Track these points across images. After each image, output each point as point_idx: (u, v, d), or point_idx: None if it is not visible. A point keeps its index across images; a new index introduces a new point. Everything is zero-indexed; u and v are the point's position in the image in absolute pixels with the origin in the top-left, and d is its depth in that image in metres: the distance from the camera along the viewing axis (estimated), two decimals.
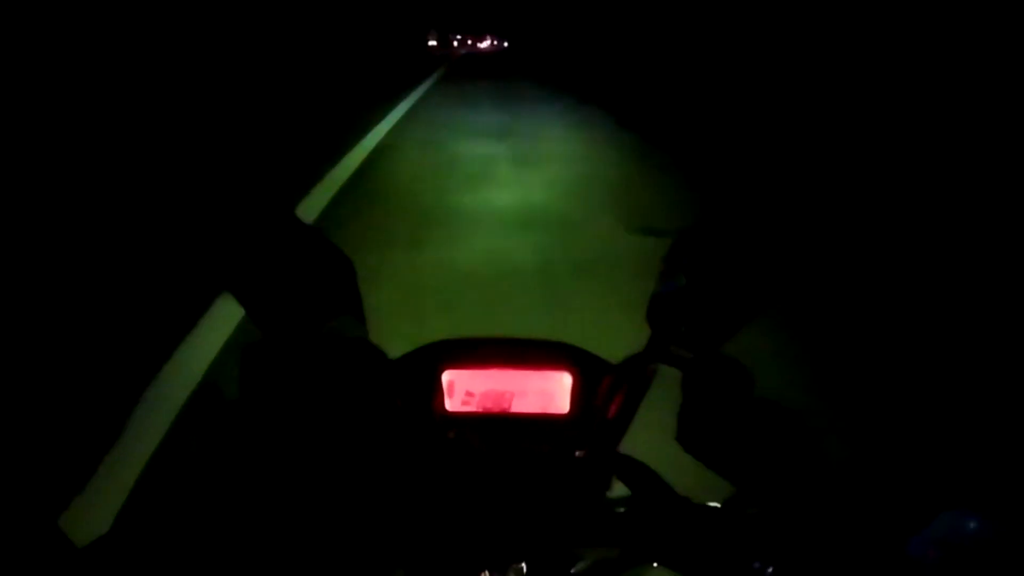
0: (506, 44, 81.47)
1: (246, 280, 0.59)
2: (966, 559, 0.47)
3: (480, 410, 0.74)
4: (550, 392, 0.74)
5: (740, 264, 0.63)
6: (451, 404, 0.74)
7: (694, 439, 0.64)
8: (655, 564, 0.67)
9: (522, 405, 0.74)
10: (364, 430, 0.67)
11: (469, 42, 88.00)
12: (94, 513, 2.06)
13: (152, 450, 2.35)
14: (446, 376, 0.74)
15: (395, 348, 0.74)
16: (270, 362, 0.62)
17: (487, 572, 0.65)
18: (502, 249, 4.57)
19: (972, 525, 0.49)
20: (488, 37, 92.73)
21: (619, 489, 0.72)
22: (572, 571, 0.69)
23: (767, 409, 0.63)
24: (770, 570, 0.55)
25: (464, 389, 0.74)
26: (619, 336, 1.12)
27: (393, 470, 0.69)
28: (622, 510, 0.69)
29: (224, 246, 0.59)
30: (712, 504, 0.67)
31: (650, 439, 0.77)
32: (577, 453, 0.72)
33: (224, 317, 3.36)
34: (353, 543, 0.62)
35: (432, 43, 61.16)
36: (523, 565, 0.66)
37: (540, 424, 0.74)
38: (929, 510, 0.51)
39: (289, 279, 0.59)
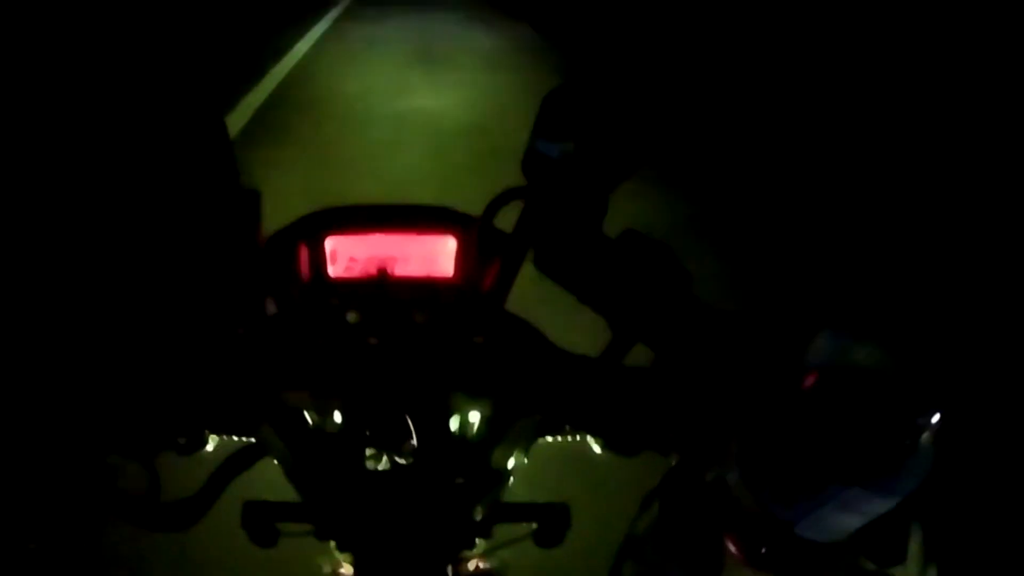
0: None
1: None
2: (844, 379, 0.48)
3: (363, 275, 0.71)
4: (434, 256, 0.72)
5: (614, 116, 0.62)
6: (334, 270, 0.71)
7: (551, 262, 0.64)
8: (537, 415, 0.68)
9: (406, 269, 0.72)
10: (243, 307, 0.66)
11: None
12: None
13: None
14: (329, 243, 0.70)
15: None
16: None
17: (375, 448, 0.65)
18: None
19: (846, 344, 0.50)
20: None
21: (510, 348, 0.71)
22: (455, 425, 0.69)
23: (633, 239, 0.63)
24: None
25: (347, 255, 0.71)
26: None
27: (281, 339, 0.68)
28: (505, 364, 0.69)
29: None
30: (592, 356, 0.67)
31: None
32: (462, 315, 0.71)
33: None
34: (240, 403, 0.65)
35: None
36: (413, 440, 0.65)
37: (425, 288, 0.72)
38: (807, 333, 0.51)
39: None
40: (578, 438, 0.71)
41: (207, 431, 0.69)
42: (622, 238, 0.63)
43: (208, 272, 0.64)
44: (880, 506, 0.46)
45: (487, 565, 0.79)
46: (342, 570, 0.80)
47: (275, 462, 0.70)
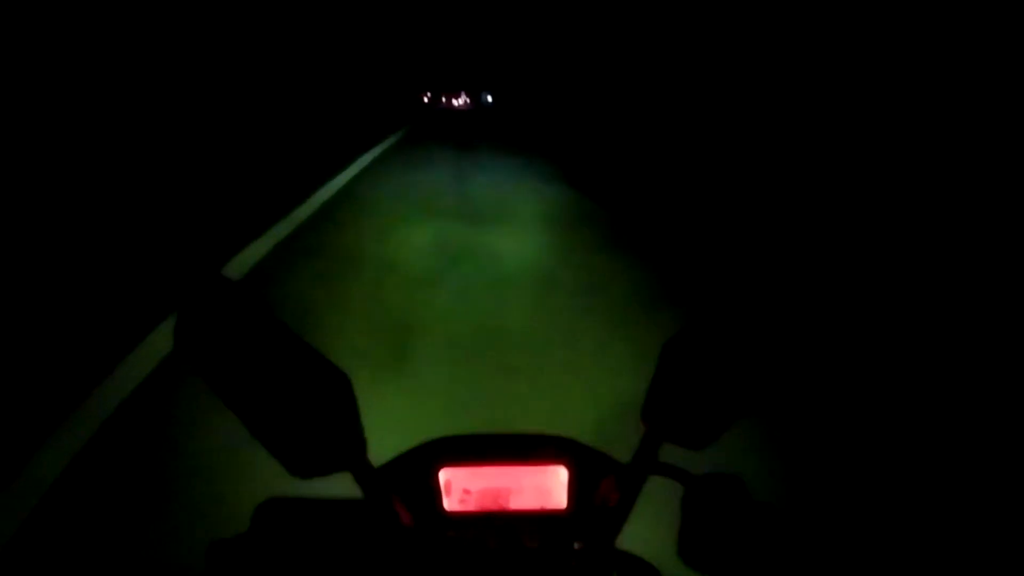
0: (490, 98, 78.91)
1: (253, 411, 0.60)
2: None
3: (478, 508, 0.74)
4: (547, 487, 0.74)
5: (732, 363, 0.64)
6: (449, 503, 0.74)
7: (697, 557, 0.65)
8: None
9: (520, 501, 0.74)
10: (365, 553, 0.68)
11: (443, 99, 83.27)
12: None
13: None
14: (443, 475, 0.74)
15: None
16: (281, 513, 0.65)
17: None
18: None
19: None
20: (463, 94, 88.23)
21: None
22: None
23: (763, 516, 0.64)
24: None
25: (461, 488, 0.74)
26: None
27: (397, 573, 0.69)
28: None
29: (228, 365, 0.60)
30: None
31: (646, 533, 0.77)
32: (576, 546, 0.72)
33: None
34: None
35: (425, 99, 73.45)
36: None
37: (538, 520, 0.74)
38: None
39: (295, 412, 0.60)
40: None
41: None
42: (753, 515, 0.65)
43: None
44: None
45: None
46: None
47: None
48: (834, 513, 2.39)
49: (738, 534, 0.63)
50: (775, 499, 0.67)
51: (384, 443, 0.82)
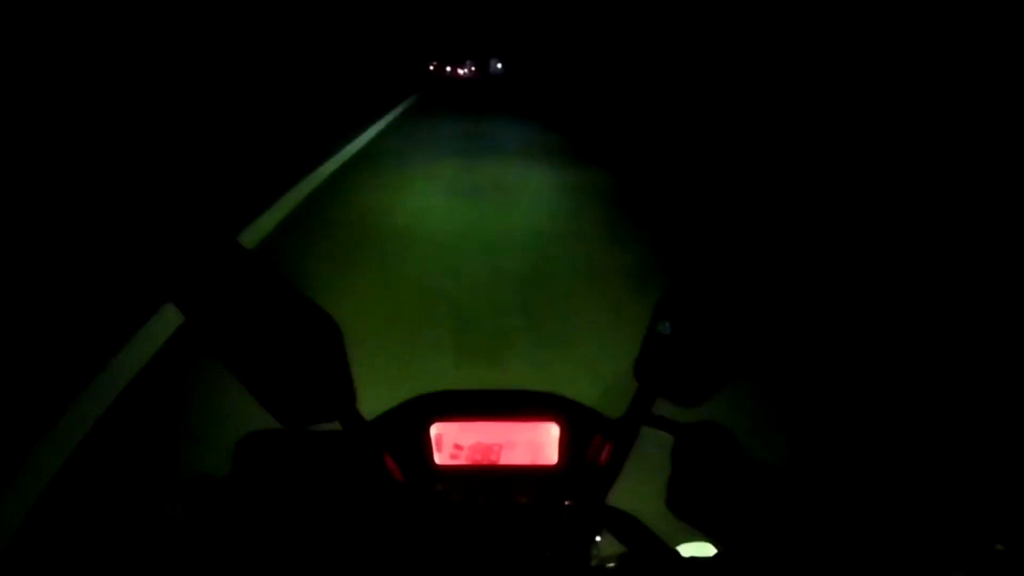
0: (499, 66, 75.92)
1: (243, 359, 0.59)
2: None
3: (469, 463, 0.74)
4: (538, 443, 0.74)
5: (726, 320, 0.63)
6: (440, 457, 0.74)
7: (685, 506, 0.65)
8: None
9: (511, 457, 0.74)
10: (351, 503, 0.68)
11: (448, 69, 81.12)
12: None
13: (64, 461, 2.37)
14: (434, 429, 0.74)
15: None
16: (264, 452, 0.64)
17: None
18: None
19: None
20: (468, 63, 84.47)
21: (609, 541, 0.72)
22: None
23: (754, 471, 0.63)
24: None
25: (452, 442, 0.74)
26: None
27: (385, 527, 0.69)
28: (612, 565, 0.69)
29: (216, 317, 0.59)
30: (702, 556, 0.67)
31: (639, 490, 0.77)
32: (566, 503, 0.72)
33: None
34: None
35: (431, 67, 72.28)
36: None
37: (529, 476, 0.74)
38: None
39: (285, 360, 0.59)
40: None
41: None
42: (744, 470, 0.65)
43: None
44: None
45: None
46: None
47: None
48: (827, 473, 2.43)
49: (727, 485, 0.63)
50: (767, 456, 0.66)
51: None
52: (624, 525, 0.71)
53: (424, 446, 0.74)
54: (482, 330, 3.58)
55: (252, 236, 5.22)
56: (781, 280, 0.64)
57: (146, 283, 0.57)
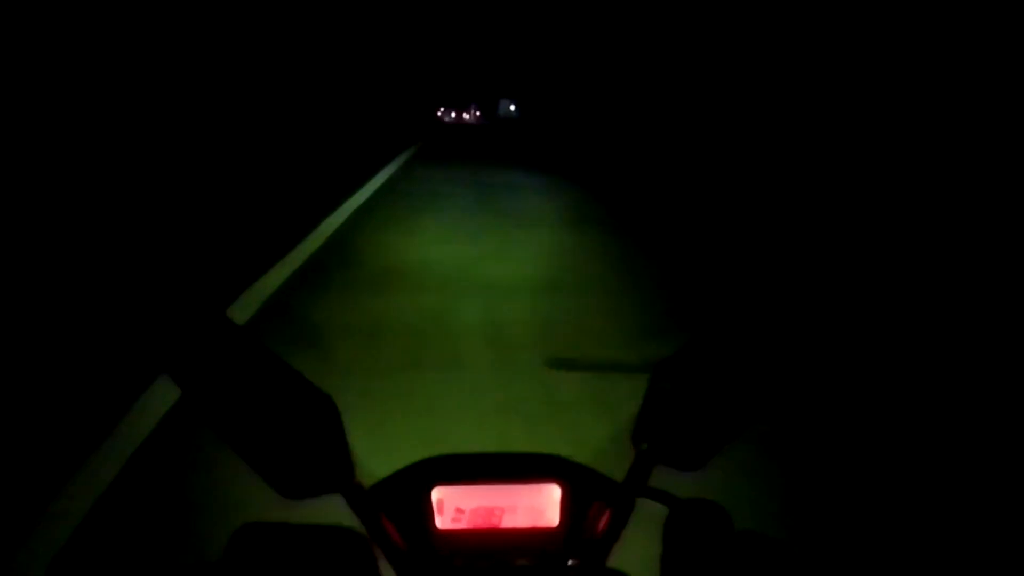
0: (512, 108, 65.38)
1: (239, 434, 0.60)
2: None
3: (471, 527, 0.75)
4: (540, 506, 0.75)
5: (722, 387, 0.65)
6: (441, 522, 0.75)
7: (674, 556, 0.65)
8: None
9: (512, 520, 0.75)
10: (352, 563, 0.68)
11: (453, 115, 76.02)
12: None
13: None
14: (436, 494, 0.74)
15: None
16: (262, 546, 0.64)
17: None
18: None
19: None
20: (472, 108, 77.34)
21: None
22: None
23: (747, 546, 0.64)
24: None
25: (454, 506, 0.75)
26: None
27: None
28: None
29: (219, 399, 0.60)
30: None
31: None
32: (570, 563, 0.72)
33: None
34: None
35: (439, 113, 69.67)
36: None
37: (531, 538, 0.74)
38: None
39: (282, 436, 0.60)
40: None
41: None
42: (740, 543, 0.66)
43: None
44: None
45: None
46: None
47: None
48: (822, 542, 2.40)
49: (718, 562, 0.64)
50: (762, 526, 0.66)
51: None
52: None
53: (425, 510, 0.74)
54: None
55: None
56: (776, 348, 0.65)
57: (142, 357, 0.59)
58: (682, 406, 0.65)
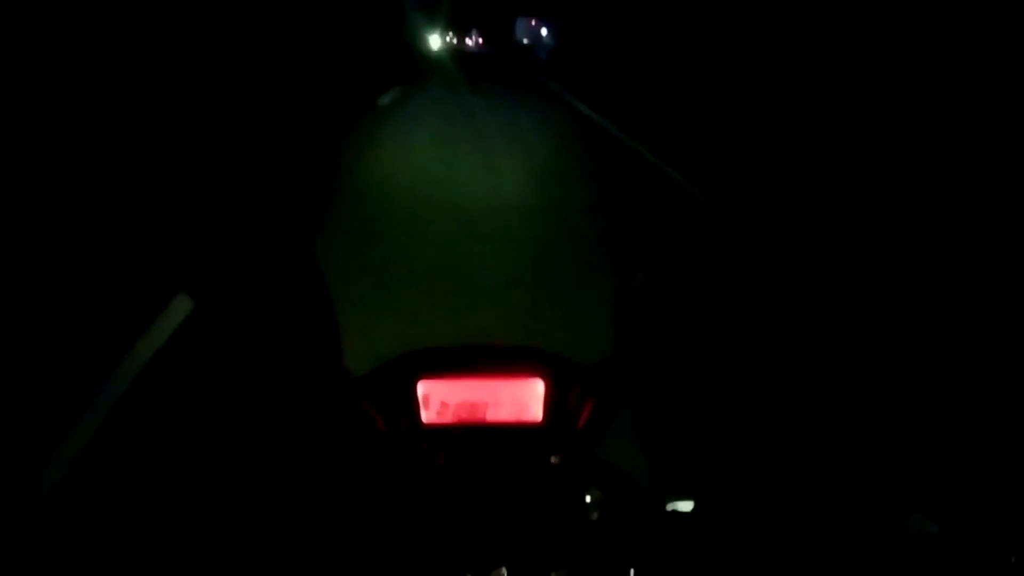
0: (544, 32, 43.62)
1: (226, 298, 0.61)
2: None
3: (455, 421, 0.74)
4: (523, 400, 0.74)
5: (698, 270, 0.63)
6: (427, 416, 0.74)
7: (655, 448, 0.64)
8: (631, 570, 0.67)
9: (496, 414, 0.74)
10: (338, 451, 0.69)
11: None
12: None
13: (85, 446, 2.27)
14: (421, 388, 0.74)
15: None
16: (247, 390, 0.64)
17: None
18: None
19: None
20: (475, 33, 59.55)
21: (597, 494, 0.72)
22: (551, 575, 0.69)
23: (726, 416, 0.63)
24: None
25: (439, 400, 0.74)
26: None
27: (373, 485, 0.70)
28: (596, 515, 0.69)
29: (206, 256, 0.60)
30: (684, 508, 0.66)
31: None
32: (552, 459, 0.72)
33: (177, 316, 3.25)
34: (336, 555, 0.63)
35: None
36: (503, 570, 0.66)
37: (515, 433, 0.74)
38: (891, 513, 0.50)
39: (274, 314, 0.60)
40: None
41: None
42: (716, 416, 0.64)
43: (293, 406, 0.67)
44: None
45: None
46: None
47: None
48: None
49: (695, 431, 0.63)
50: None
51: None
52: (612, 480, 0.71)
53: (411, 404, 0.74)
54: None
55: None
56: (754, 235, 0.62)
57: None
58: (658, 291, 0.64)
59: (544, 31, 35.55)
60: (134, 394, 2.67)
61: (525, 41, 37.28)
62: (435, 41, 35.12)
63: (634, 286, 0.64)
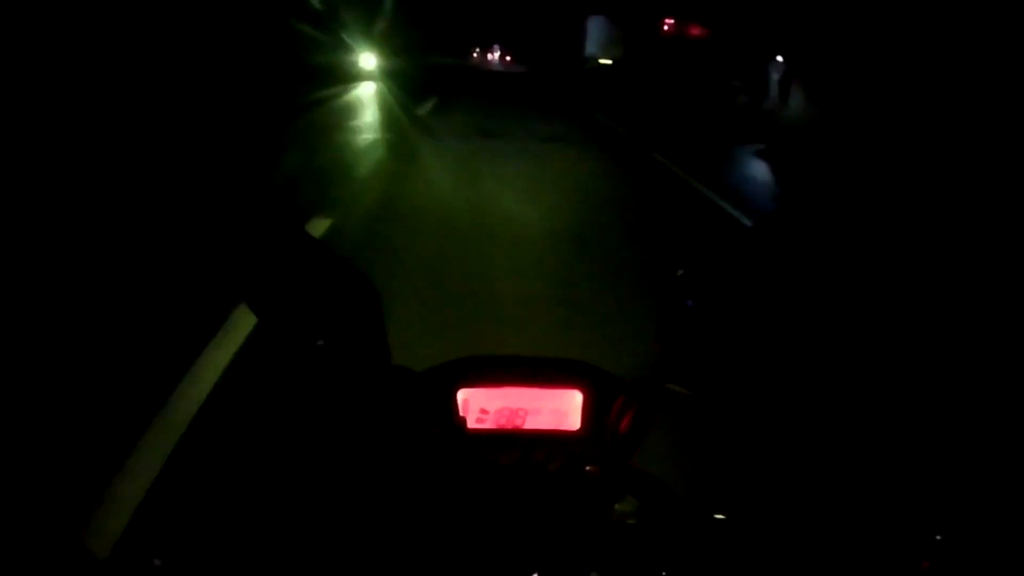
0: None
1: (278, 308, 0.63)
2: None
3: (495, 427, 0.76)
4: (562, 410, 0.76)
5: (746, 292, 0.64)
6: (467, 422, 0.76)
7: (693, 459, 0.66)
8: None
9: (535, 422, 0.76)
10: (386, 448, 0.71)
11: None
12: (111, 522, 2.03)
13: (162, 462, 2.31)
14: (462, 395, 0.76)
15: None
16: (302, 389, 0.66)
17: None
18: None
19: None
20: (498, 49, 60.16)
21: (632, 502, 0.73)
22: None
23: (765, 429, 0.65)
24: None
25: (479, 407, 0.76)
26: None
27: (413, 486, 0.71)
28: (631, 523, 0.70)
29: (255, 273, 0.62)
30: (720, 519, 0.68)
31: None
32: (588, 468, 0.73)
33: (240, 329, 3.29)
34: (374, 556, 0.65)
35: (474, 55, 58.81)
36: None
37: (552, 440, 0.76)
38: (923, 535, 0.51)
39: (317, 309, 0.62)
40: None
41: None
42: (763, 429, 0.65)
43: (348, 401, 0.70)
44: None
45: None
46: None
47: None
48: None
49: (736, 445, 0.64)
50: None
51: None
52: (649, 488, 0.72)
53: (452, 410, 0.76)
54: None
55: None
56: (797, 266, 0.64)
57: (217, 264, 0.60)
58: (705, 311, 0.65)
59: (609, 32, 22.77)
60: (212, 403, 2.69)
61: (603, 61, 22.58)
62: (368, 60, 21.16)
63: (684, 307, 0.65)
